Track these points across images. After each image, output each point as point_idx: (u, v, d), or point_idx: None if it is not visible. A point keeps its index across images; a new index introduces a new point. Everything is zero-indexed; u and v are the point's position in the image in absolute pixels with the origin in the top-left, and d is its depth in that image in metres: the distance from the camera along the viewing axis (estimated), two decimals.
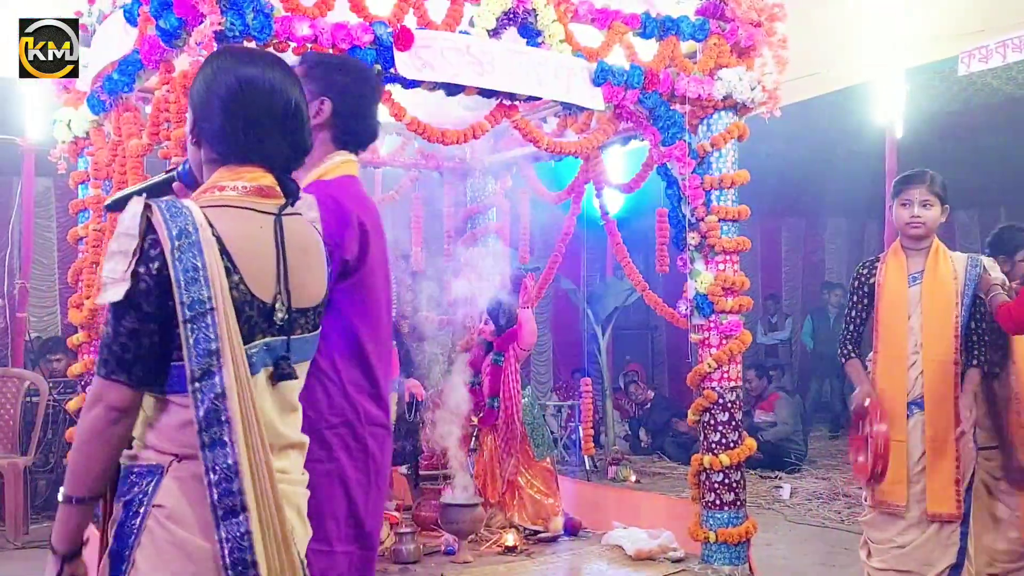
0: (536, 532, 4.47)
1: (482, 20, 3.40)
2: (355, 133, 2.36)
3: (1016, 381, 3.61)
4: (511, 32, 3.51)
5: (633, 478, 7.69)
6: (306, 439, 1.82)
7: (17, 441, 6.00)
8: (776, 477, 7.72)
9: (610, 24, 3.71)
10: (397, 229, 5.39)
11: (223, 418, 1.56)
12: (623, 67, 3.68)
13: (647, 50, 3.83)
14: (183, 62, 3.05)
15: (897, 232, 3.64)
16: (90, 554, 1.70)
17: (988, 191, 9.68)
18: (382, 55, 3.17)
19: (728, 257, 4.00)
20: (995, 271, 3.53)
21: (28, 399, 6.16)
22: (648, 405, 9.36)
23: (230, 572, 1.57)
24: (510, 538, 4.28)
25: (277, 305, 1.69)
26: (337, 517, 2.19)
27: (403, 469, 4.92)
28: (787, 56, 4.01)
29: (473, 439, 4.65)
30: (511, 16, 3.44)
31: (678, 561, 4.04)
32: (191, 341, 1.56)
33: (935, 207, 3.50)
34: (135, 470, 1.64)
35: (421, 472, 4.72)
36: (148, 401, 1.64)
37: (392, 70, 3.21)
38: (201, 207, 1.63)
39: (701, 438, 4.05)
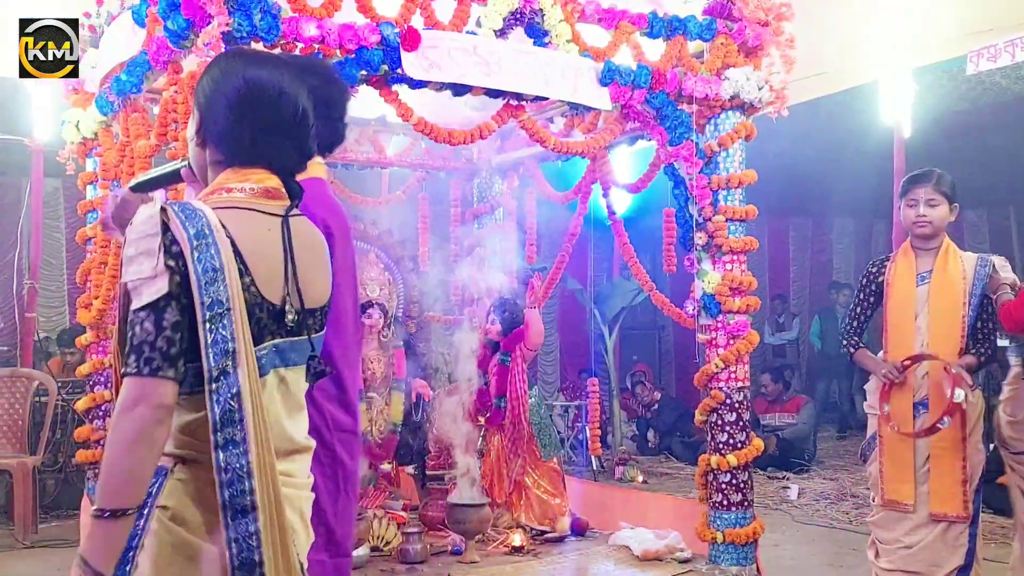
0: (543, 532, 4.47)
1: (489, 20, 3.40)
2: (322, 136, 2.36)
3: None
4: (518, 32, 3.51)
5: (640, 478, 7.68)
6: (312, 443, 1.81)
7: (26, 441, 6.02)
8: (784, 477, 7.70)
9: (617, 24, 3.70)
10: (404, 229, 5.40)
11: (237, 418, 1.56)
12: (630, 67, 3.68)
13: (654, 50, 3.83)
14: (191, 63, 3.06)
15: (905, 232, 3.62)
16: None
17: (997, 190, 9.65)
18: (389, 55, 3.18)
19: (735, 257, 3.99)
20: (1005, 271, 3.51)
21: (37, 399, 6.18)
22: (655, 406, 9.35)
23: (237, 572, 1.56)
24: (517, 538, 4.28)
25: (287, 307, 1.69)
26: None
27: (410, 469, 4.92)
28: (794, 56, 4.00)
29: (480, 439, 4.65)
30: (518, 16, 3.45)
31: (685, 562, 4.04)
32: (209, 341, 1.55)
33: (941, 206, 3.48)
34: None
35: (428, 472, 4.73)
36: None
37: (399, 70, 3.21)
38: (211, 208, 1.63)
39: (708, 438, 4.04)
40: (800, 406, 8.53)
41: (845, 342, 3.66)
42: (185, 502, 1.60)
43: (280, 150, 1.75)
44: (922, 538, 3.43)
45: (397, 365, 4.73)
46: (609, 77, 3.61)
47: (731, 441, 3.94)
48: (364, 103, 3.94)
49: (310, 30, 3.04)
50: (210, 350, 1.56)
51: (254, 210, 1.69)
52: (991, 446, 3.80)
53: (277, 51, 2.99)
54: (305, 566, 1.74)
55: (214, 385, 1.56)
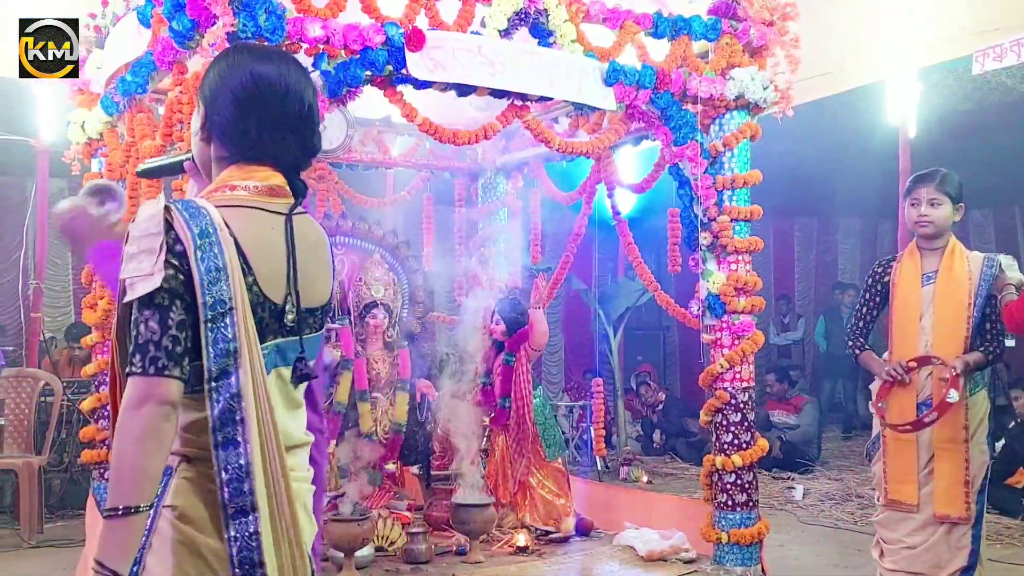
0: (548, 532, 4.46)
1: (493, 21, 3.39)
2: None
3: None
4: (522, 32, 3.51)
5: (645, 479, 7.67)
6: (311, 437, 1.82)
7: (32, 441, 6.04)
8: (789, 478, 7.69)
9: (622, 24, 3.70)
10: (408, 230, 5.41)
11: (237, 418, 1.56)
12: (635, 67, 3.67)
13: (659, 50, 3.83)
14: (196, 63, 3.06)
15: (911, 232, 3.62)
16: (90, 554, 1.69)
17: (1003, 190, 9.62)
18: (394, 56, 3.18)
19: (740, 257, 3.98)
20: (1012, 270, 3.50)
21: (42, 399, 6.20)
22: (660, 406, 9.35)
23: (238, 571, 1.57)
24: (522, 538, 4.28)
25: (287, 306, 1.69)
26: None
27: (415, 469, 4.92)
28: (799, 55, 3.99)
29: (484, 439, 4.65)
30: (522, 16, 3.44)
31: (690, 562, 4.03)
32: (210, 340, 1.56)
33: (944, 206, 3.46)
34: None
35: (433, 472, 4.73)
36: None
37: (404, 71, 3.21)
38: (215, 206, 1.63)
39: (713, 439, 4.04)
40: (801, 405, 8.52)
41: (851, 343, 3.66)
42: (192, 500, 1.60)
43: (285, 146, 1.73)
44: (925, 539, 3.42)
45: (402, 365, 4.73)
46: (614, 77, 3.61)
47: (736, 441, 3.93)
48: (369, 103, 3.94)
49: (315, 30, 3.05)
50: (210, 350, 1.56)
51: (258, 208, 1.68)
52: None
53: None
54: (312, 560, 1.74)
55: (214, 384, 1.56)
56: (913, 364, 3.40)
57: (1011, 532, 5.89)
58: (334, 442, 4.58)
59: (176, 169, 1.93)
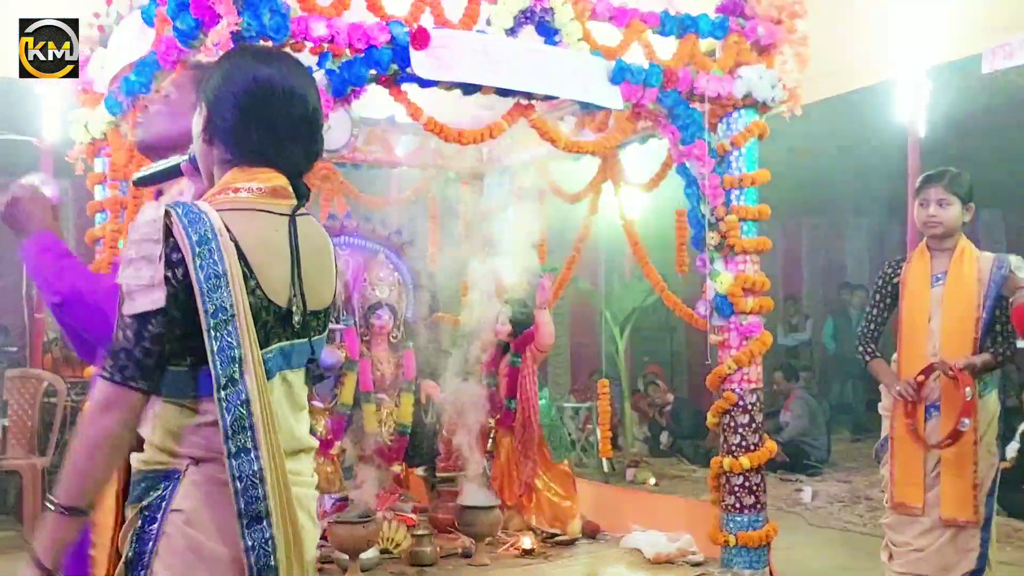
0: (553, 535, 4.44)
1: (499, 19, 3.38)
2: None
3: None
4: (528, 31, 3.49)
5: (652, 481, 7.65)
6: (316, 442, 1.81)
7: (35, 442, 6.04)
8: (797, 480, 7.66)
9: (628, 22, 3.68)
10: (413, 230, 5.38)
11: (248, 424, 1.55)
12: (641, 66, 3.65)
13: (666, 48, 3.80)
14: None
15: (920, 232, 3.59)
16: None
17: (1013, 189, 9.57)
18: (399, 55, 3.17)
19: (748, 257, 3.96)
20: (1022, 271, 3.46)
21: (46, 400, 6.19)
22: (668, 407, 9.31)
23: None
24: (527, 541, 4.26)
25: (293, 309, 1.68)
26: None
27: (420, 471, 4.91)
28: (808, 54, 3.96)
29: (490, 441, 4.63)
30: (528, 15, 3.43)
31: (697, 565, 4.02)
32: (215, 349, 1.54)
33: (953, 206, 3.43)
34: (150, 475, 1.62)
35: (438, 474, 4.71)
36: (164, 406, 1.62)
37: (409, 70, 3.20)
38: (217, 210, 1.61)
39: (721, 440, 4.01)
40: (789, 403, 8.45)
41: (862, 349, 3.62)
42: (199, 505, 1.59)
43: (288, 150, 1.72)
44: (932, 542, 3.39)
45: (406, 366, 4.71)
46: (620, 76, 3.58)
47: (744, 443, 3.91)
48: (373, 103, 3.93)
49: (319, 29, 3.03)
50: (217, 358, 1.54)
51: (261, 211, 1.67)
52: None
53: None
54: (315, 564, 1.73)
55: (223, 393, 1.54)
56: (921, 378, 3.37)
57: (1021, 535, 5.85)
58: (339, 443, 4.57)
59: (173, 173, 1.92)
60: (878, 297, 3.63)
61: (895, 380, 3.46)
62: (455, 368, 4.60)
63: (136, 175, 2.00)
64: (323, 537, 3.61)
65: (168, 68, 3.16)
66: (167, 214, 1.56)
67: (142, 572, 1.58)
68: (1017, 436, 6.42)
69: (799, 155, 7.33)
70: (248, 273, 1.60)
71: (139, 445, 1.65)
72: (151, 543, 1.58)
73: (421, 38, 3.18)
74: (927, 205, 3.46)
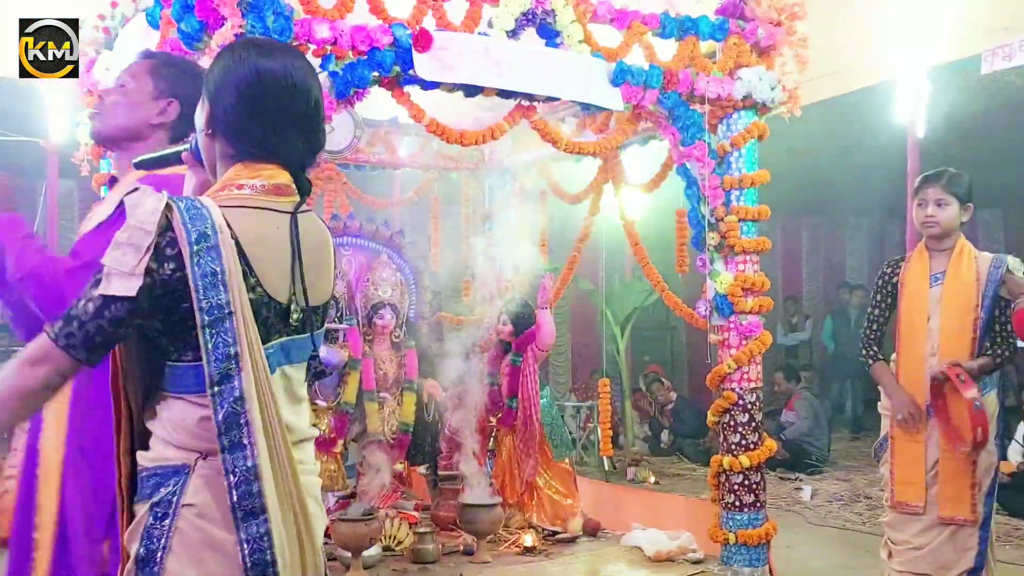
0: (555, 533, 4.46)
1: (501, 21, 3.39)
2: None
3: None
4: (530, 33, 3.51)
5: (652, 479, 7.67)
6: (316, 431, 1.83)
7: None
8: (796, 479, 7.68)
9: (629, 24, 3.70)
10: (416, 230, 5.41)
11: (242, 421, 1.56)
12: (642, 67, 3.67)
13: (666, 50, 3.82)
14: (205, 65, 3.07)
15: (919, 232, 3.61)
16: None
17: (1012, 190, 9.59)
18: (401, 57, 3.19)
19: (748, 257, 3.98)
20: (1020, 272, 3.48)
21: None
22: (670, 406, 9.33)
23: (250, 572, 1.56)
24: (528, 539, 4.28)
25: (292, 306, 1.68)
26: None
27: (422, 469, 4.93)
28: (807, 55, 3.98)
29: (491, 439, 4.65)
30: (530, 17, 3.44)
31: (697, 563, 4.03)
32: (210, 346, 1.55)
33: (951, 206, 3.45)
34: (159, 471, 1.62)
35: (440, 472, 4.73)
36: (172, 400, 1.63)
37: (411, 71, 3.22)
38: (220, 206, 1.61)
39: (721, 439, 4.03)
40: (793, 403, 8.49)
41: (864, 352, 3.63)
42: (210, 497, 1.59)
43: (290, 143, 1.71)
44: (931, 540, 3.41)
45: (409, 366, 4.74)
46: (621, 77, 3.60)
47: (744, 442, 3.93)
48: (376, 104, 3.95)
49: (322, 32, 3.05)
50: (211, 355, 1.55)
51: (263, 208, 1.67)
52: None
53: None
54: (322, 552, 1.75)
55: (216, 389, 1.55)
56: (927, 401, 3.39)
57: (1021, 533, 5.87)
58: (341, 442, 4.60)
59: (173, 160, 1.91)
60: (878, 298, 3.65)
61: (896, 389, 3.48)
62: (456, 368, 4.62)
63: (136, 158, 2.01)
64: (326, 534, 3.64)
65: None
66: (169, 208, 1.56)
67: (155, 568, 1.57)
68: (1020, 439, 6.44)
69: (799, 156, 7.35)
70: (248, 270, 1.61)
71: (144, 443, 1.66)
72: (163, 539, 1.57)
73: (423, 40, 3.20)
74: (925, 205, 3.48)
